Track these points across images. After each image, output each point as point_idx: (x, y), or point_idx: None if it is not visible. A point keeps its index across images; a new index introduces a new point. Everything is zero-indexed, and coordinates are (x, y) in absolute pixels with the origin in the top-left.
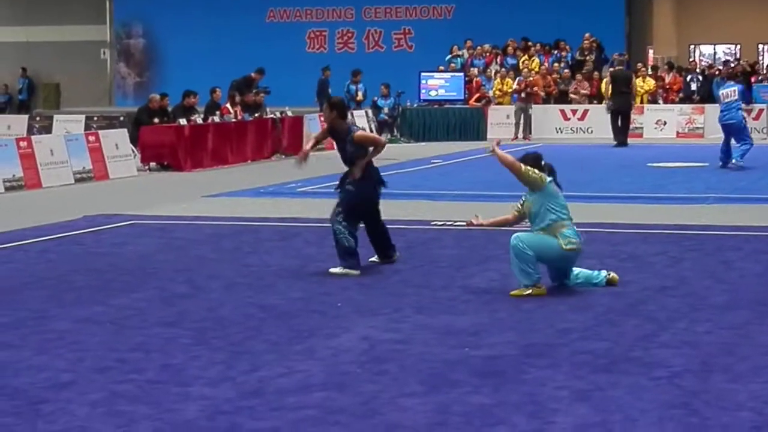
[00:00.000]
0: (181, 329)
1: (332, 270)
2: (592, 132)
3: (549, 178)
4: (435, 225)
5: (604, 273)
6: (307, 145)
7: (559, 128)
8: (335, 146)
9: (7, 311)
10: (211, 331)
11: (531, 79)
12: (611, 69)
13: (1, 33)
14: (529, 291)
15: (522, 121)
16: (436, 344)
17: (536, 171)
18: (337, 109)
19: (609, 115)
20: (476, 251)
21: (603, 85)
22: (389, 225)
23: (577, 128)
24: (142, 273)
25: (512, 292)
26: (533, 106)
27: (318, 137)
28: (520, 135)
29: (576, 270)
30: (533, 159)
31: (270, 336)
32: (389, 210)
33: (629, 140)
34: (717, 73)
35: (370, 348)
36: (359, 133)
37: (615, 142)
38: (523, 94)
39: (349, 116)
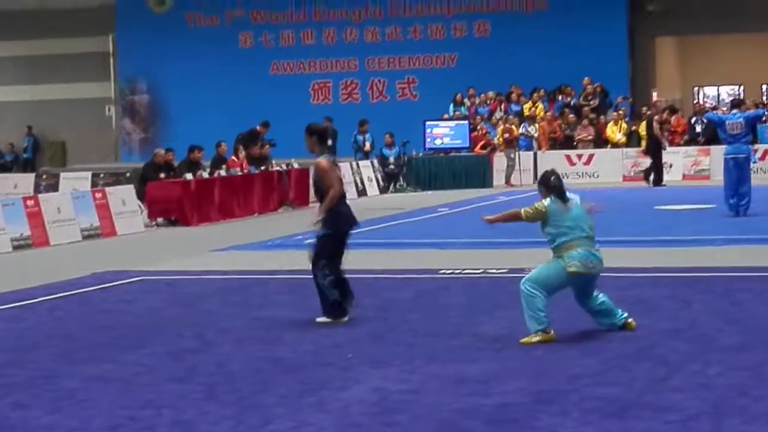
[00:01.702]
0: (192, 384)
1: (320, 319)
2: (598, 176)
3: (547, 202)
4: (443, 273)
5: (625, 315)
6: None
7: (565, 173)
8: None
9: (18, 370)
10: (222, 385)
11: (506, 125)
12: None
13: (7, 92)
14: (538, 338)
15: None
16: (448, 393)
17: (534, 206)
18: (317, 135)
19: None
20: (485, 299)
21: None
22: (398, 275)
23: (582, 173)
24: (151, 329)
25: (522, 340)
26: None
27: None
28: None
29: (601, 297)
30: (543, 179)
31: (280, 389)
32: (398, 259)
33: (637, 183)
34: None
35: (382, 399)
36: (321, 161)
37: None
38: (499, 140)
39: (352, 165)
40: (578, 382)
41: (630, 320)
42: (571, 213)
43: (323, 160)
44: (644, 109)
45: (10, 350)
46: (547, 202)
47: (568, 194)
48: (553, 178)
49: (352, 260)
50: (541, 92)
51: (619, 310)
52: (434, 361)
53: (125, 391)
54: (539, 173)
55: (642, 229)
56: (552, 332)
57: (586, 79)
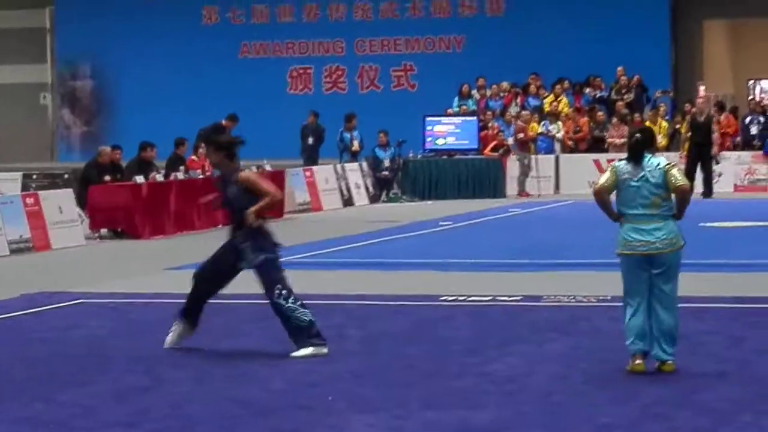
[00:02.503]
0: (141, 431)
1: (296, 354)
2: None
3: (615, 165)
4: (445, 300)
5: (671, 359)
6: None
7: (593, 182)
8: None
9: None
10: (178, 431)
11: (519, 124)
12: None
13: None
14: (629, 367)
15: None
16: None
17: (604, 174)
18: (226, 149)
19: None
20: (495, 331)
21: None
22: (391, 302)
23: None
24: (93, 362)
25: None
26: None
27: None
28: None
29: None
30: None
31: None
32: (391, 283)
33: None
34: None
35: None
36: (246, 174)
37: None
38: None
39: (336, 169)
40: None
41: (670, 362)
42: (633, 185)
43: (248, 172)
44: (687, 105)
45: None
46: (615, 165)
47: (647, 158)
48: (635, 136)
49: (335, 282)
50: (566, 84)
51: (671, 347)
52: (433, 406)
53: None
54: (561, 181)
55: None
56: (639, 362)
57: (619, 69)
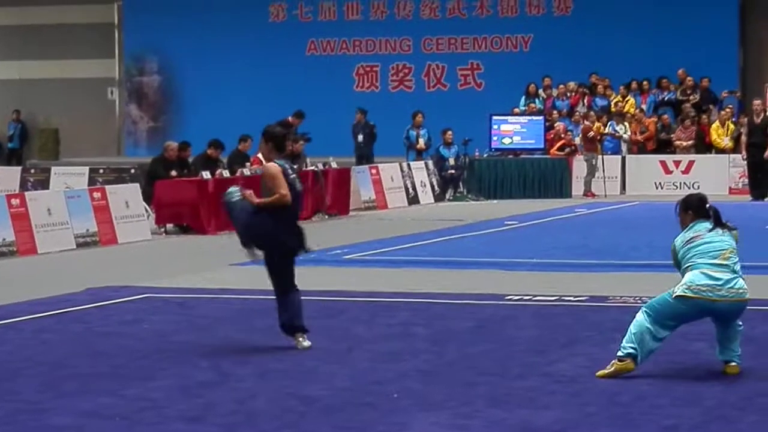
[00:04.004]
0: (206, 425)
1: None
2: (698, 187)
3: (680, 242)
4: (510, 300)
5: (736, 360)
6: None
7: (659, 183)
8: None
9: None
10: (242, 427)
11: (587, 124)
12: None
13: None
14: (611, 369)
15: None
16: None
17: (673, 251)
18: (273, 141)
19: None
20: (561, 332)
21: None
22: (456, 300)
23: (680, 183)
24: (159, 357)
25: (597, 373)
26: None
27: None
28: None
29: (739, 323)
30: (697, 202)
31: None
32: (456, 281)
33: (746, 197)
34: None
35: None
36: (271, 165)
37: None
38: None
39: (402, 167)
40: None
41: (734, 363)
42: (707, 238)
43: (273, 165)
44: (758, 103)
45: None
46: (677, 242)
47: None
48: (707, 204)
49: (401, 280)
50: (633, 85)
51: (737, 348)
52: (497, 405)
53: (125, 431)
54: (627, 181)
55: (753, 253)
56: (629, 361)
57: (680, 71)
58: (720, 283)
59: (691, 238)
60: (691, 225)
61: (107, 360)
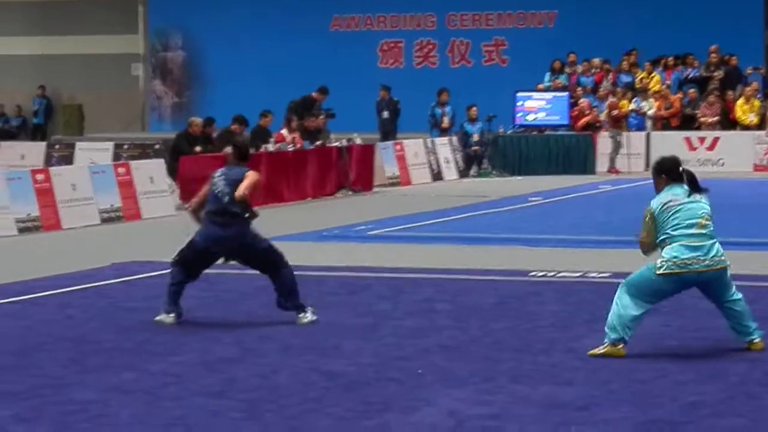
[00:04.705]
0: (229, 400)
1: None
2: (723, 164)
3: (654, 206)
4: (534, 276)
5: (757, 335)
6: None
7: (684, 160)
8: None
9: (20, 377)
10: (265, 402)
11: (613, 100)
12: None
13: (15, 44)
14: (604, 350)
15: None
16: (536, 421)
17: (642, 223)
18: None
19: None
20: (584, 308)
21: None
22: (479, 276)
23: (705, 159)
24: (182, 332)
25: (590, 351)
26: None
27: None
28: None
29: (735, 296)
30: (671, 165)
31: (336, 409)
32: (480, 258)
33: None
34: None
35: (457, 425)
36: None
37: None
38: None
39: (426, 143)
40: (695, 412)
41: (757, 340)
42: (683, 206)
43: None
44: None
45: (11, 352)
46: (654, 205)
47: (687, 189)
48: (681, 167)
49: (424, 256)
50: (662, 61)
51: (752, 323)
52: (521, 381)
53: (149, 406)
54: (652, 158)
55: None
56: (622, 347)
57: (712, 47)
58: (702, 253)
59: (668, 203)
60: (666, 188)
61: (131, 335)
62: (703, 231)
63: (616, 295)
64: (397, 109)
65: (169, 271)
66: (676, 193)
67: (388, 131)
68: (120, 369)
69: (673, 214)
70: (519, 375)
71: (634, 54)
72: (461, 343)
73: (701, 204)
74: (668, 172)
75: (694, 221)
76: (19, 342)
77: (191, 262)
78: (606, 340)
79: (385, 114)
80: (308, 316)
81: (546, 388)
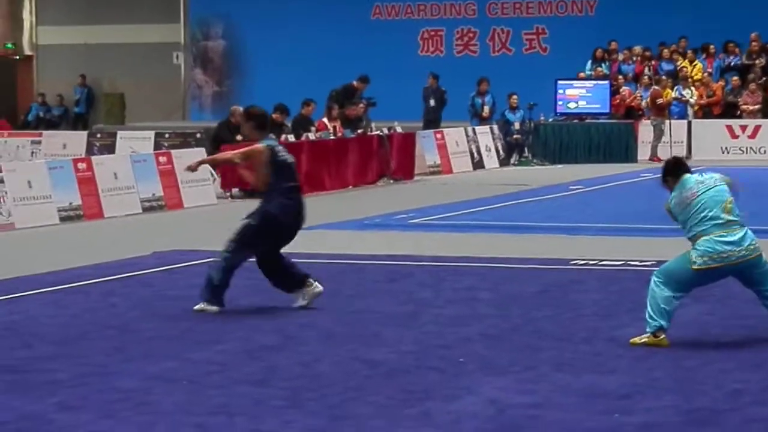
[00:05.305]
0: (271, 388)
1: (197, 307)
2: (765, 152)
3: (676, 205)
4: (575, 264)
5: None
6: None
7: (725, 147)
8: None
9: (65, 365)
10: (307, 390)
11: (656, 89)
12: None
13: (57, 34)
14: (644, 339)
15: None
16: (579, 409)
17: (668, 205)
18: (254, 120)
19: None
20: (627, 296)
21: None
22: (520, 264)
23: (746, 148)
24: (224, 321)
25: (631, 340)
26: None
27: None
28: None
29: None
30: (672, 167)
31: (377, 397)
32: (521, 246)
33: None
34: None
35: (499, 413)
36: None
37: None
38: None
39: (467, 132)
40: (739, 399)
41: None
42: (702, 197)
43: (261, 146)
44: None
45: (55, 341)
46: (671, 202)
47: (696, 175)
48: (680, 165)
49: (466, 244)
50: (711, 48)
51: None
52: (563, 370)
53: (192, 394)
54: (693, 146)
55: None
56: (664, 337)
57: (753, 34)
58: (737, 244)
59: (687, 198)
60: (678, 185)
61: (174, 323)
62: (731, 217)
63: (652, 283)
64: (444, 98)
65: (224, 258)
66: (689, 184)
67: (433, 119)
68: (162, 357)
69: (696, 210)
70: (561, 363)
71: (683, 41)
72: (502, 332)
73: (719, 187)
74: (672, 172)
75: (719, 208)
76: (63, 331)
77: (265, 241)
78: (648, 329)
79: (432, 102)
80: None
81: (588, 376)
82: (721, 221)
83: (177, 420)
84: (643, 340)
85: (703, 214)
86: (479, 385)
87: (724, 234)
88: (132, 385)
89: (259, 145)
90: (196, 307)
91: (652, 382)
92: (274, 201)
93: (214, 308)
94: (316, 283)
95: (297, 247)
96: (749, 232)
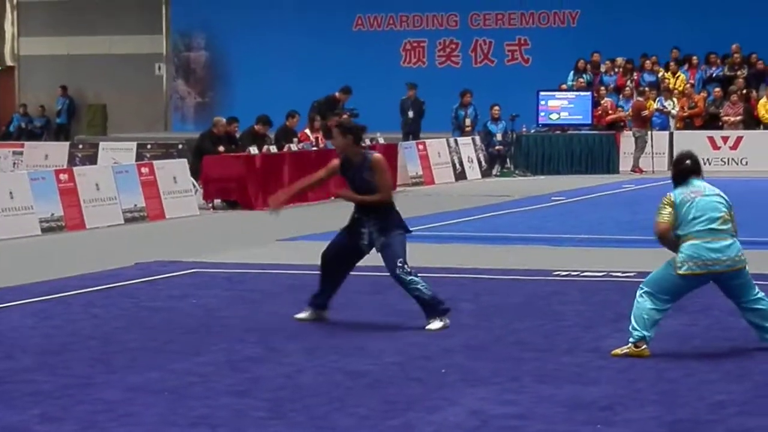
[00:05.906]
0: (254, 399)
1: (431, 326)
2: (746, 163)
3: (680, 198)
4: (558, 275)
5: None
6: (292, 189)
7: (707, 159)
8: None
9: (47, 377)
10: (289, 402)
11: (639, 100)
12: None
13: (38, 44)
14: (626, 351)
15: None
16: (561, 420)
17: (660, 211)
18: (353, 134)
19: None
20: (609, 307)
21: None
22: (503, 276)
23: (728, 159)
24: (206, 332)
25: (613, 351)
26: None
27: (322, 176)
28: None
29: (759, 295)
30: (682, 173)
31: (359, 408)
32: (503, 257)
33: None
34: None
35: (481, 425)
36: (378, 156)
37: None
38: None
39: (449, 143)
40: (722, 411)
41: None
42: (704, 199)
43: (378, 155)
44: None
45: (37, 352)
46: (675, 194)
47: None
48: (687, 160)
49: (448, 255)
50: (693, 59)
51: None
52: (545, 381)
53: (174, 405)
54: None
55: None
56: (645, 347)
57: (734, 46)
58: (723, 253)
59: (690, 194)
60: (685, 183)
61: (156, 335)
62: (725, 227)
63: (637, 295)
64: (422, 109)
65: (408, 278)
66: (697, 184)
67: (412, 131)
68: (145, 369)
69: (694, 207)
70: (543, 374)
71: (675, 51)
72: (485, 343)
73: (722, 199)
74: (682, 177)
75: (717, 215)
76: (45, 342)
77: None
78: (630, 340)
79: (410, 114)
80: (435, 324)
81: (570, 387)
82: (713, 227)
83: (159, 431)
84: (624, 351)
85: (699, 215)
86: (461, 396)
87: (712, 241)
88: (114, 397)
89: (377, 154)
90: (433, 327)
91: (634, 393)
92: (394, 210)
93: (447, 318)
94: (326, 314)
95: (280, 258)
96: (737, 243)
